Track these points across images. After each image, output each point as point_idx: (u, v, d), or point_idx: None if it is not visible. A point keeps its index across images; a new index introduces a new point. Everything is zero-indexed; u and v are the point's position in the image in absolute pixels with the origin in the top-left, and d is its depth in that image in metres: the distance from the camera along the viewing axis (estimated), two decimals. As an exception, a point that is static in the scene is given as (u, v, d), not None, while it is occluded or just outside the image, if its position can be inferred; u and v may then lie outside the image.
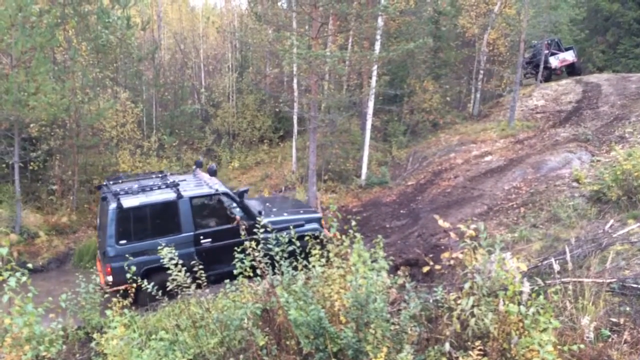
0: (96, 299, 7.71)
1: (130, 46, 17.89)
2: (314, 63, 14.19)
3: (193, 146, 21.58)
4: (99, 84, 17.48)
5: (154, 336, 5.23)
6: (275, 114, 22.56)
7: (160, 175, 10.75)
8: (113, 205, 8.99)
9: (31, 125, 14.37)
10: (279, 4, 21.27)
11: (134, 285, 8.16)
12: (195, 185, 10.31)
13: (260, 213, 10.02)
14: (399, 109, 21.02)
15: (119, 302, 7.08)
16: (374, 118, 18.05)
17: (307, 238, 6.06)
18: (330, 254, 5.35)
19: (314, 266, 5.38)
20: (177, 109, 20.80)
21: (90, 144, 16.08)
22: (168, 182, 9.92)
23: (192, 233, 9.55)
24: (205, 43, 26.90)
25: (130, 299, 7.34)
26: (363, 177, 17.25)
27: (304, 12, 16.38)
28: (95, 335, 5.65)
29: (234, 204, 10.13)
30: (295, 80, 18.83)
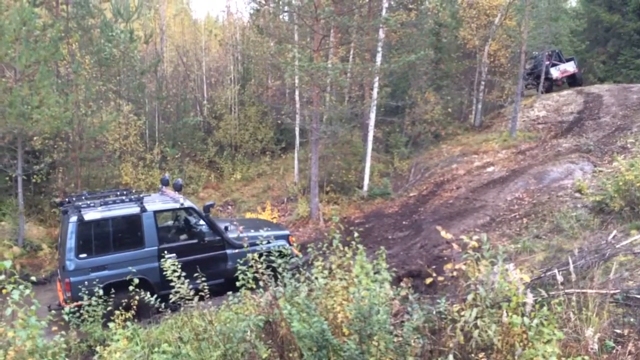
0: (99, 311, 7.69)
1: (133, 59, 18.04)
2: (315, 75, 14.27)
3: (195, 158, 21.65)
4: (102, 96, 17.61)
5: (156, 349, 5.23)
6: (277, 126, 22.66)
7: (125, 192, 10.47)
8: (74, 218, 8.71)
9: (34, 138, 14.45)
10: (281, 17, 21.43)
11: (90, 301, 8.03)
12: (160, 200, 10.14)
13: (226, 229, 9.91)
14: (400, 121, 21.09)
15: (121, 314, 7.07)
16: (375, 129, 18.10)
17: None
18: (333, 266, 5.34)
19: (316, 278, 5.37)
20: (180, 121, 20.90)
21: (93, 156, 16.14)
22: (132, 196, 9.71)
23: (156, 248, 9.27)
24: (208, 56, 27.06)
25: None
26: (365, 188, 17.26)
27: (306, 25, 16.51)
28: (98, 348, 5.65)
29: (200, 219, 9.98)
30: (297, 92, 18.93)
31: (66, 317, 5.93)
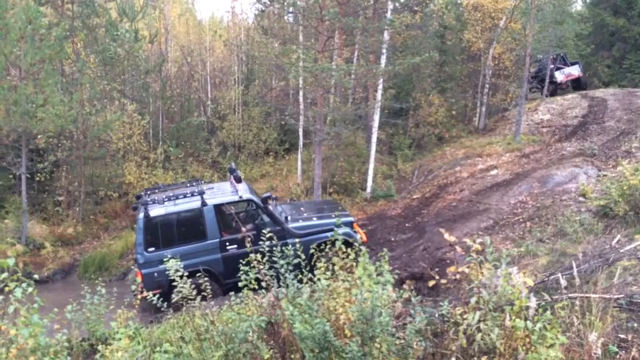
0: (101, 310, 7.69)
1: (137, 59, 18.06)
2: (320, 76, 14.26)
3: (199, 158, 21.64)
4: (106, 96, 17.65)
5: (158, 348, 5.22)
6: (281, 127, 22.63)
7: (195, 183, 11.04)
8: (141, 215, 9.37)
9: (39, 136, 14.49)
10: (286, 17, 21.42)
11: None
12: (221, 192, 10.47)
13: (286, 219, 10.13)
14: (404, 123, 21.07)
15: (123, 313, 7.06)
16: (379, 131, 18.07)
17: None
18: (336, 267, 5.33)
19: (319, 279, 5.36)
20: (183, 121, 20.89)
21: (96, 155, 16.17)
22: (195, 190, 10.10)
23: (217, 240, 9.70)
24: (212, 56, 27.07)
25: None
26: (368, 190, 17.23)
27: (311, 26, 16.51)
28: (99, 347, 5.64)
29: (259, 210, 10.25)
30: (301, 93, 18.91)
31: (68, 316, 5.92)
